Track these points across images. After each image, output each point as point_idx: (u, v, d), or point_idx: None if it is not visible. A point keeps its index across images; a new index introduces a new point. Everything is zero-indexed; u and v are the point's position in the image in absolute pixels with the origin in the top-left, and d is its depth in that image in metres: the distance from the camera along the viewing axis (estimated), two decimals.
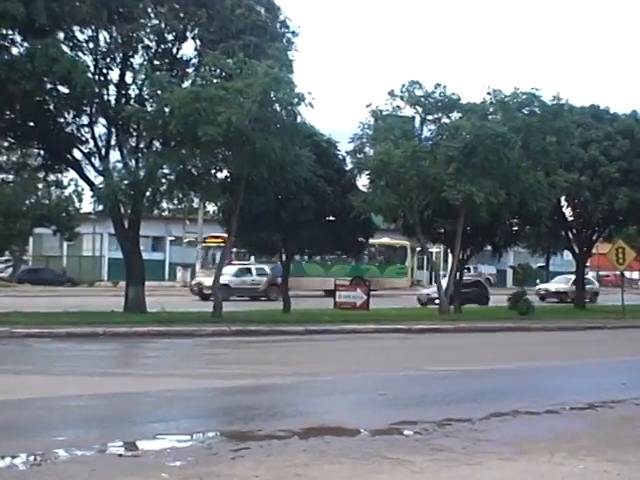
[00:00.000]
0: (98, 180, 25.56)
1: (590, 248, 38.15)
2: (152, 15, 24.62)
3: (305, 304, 30.69)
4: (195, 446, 8.69)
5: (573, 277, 41.12)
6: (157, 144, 25.31)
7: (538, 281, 58.79)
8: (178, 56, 25.48)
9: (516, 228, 33.84)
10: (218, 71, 23.83)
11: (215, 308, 25.20)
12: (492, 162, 27.20)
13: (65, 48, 23.53)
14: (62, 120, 25.17)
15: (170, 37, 25.14)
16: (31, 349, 18.46)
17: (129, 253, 26.52)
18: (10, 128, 25.08)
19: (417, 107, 29.07)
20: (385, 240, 49.33)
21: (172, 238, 62.58)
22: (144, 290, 26.30)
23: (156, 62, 25.02)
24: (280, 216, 27.02)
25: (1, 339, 18.91)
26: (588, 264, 45.48)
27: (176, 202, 25.83)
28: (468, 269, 53.47)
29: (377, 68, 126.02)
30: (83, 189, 52.97)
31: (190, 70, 25.31)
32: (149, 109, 23.74)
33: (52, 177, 36.64)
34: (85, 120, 25.44)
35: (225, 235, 30.72)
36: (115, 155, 25.72)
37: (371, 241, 46.82)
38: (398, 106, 29.25)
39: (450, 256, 36.91)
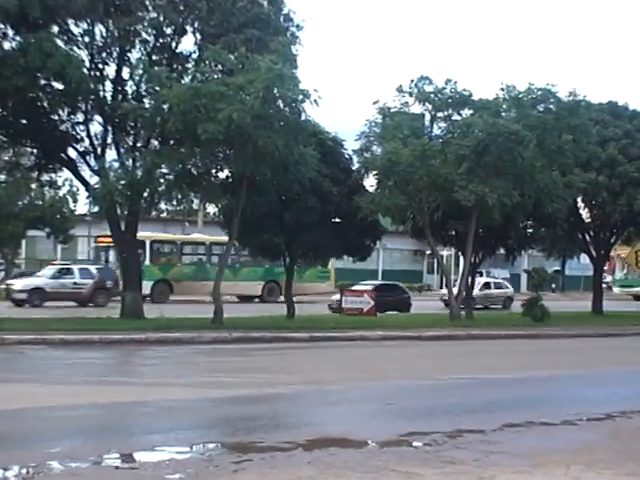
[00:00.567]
0: (94, 180, 25.66)
1: (608, 251, 38.10)
2: (150, 8, 24.68)
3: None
4: (195, 458, 8.70)
5: (483, 280, 43.81)
6: (155, 142, 25.35)
7: (554, 286, 58.86)
8: (177, 51, 25.53)
9: (530, 230, 33.82)
10: (219, 66, 23.86)
11: (216, 314, 25.22)
12: (505, 161, 27.20)
13: (59, 42, 23.58)
14: (56, 117, 25.23)
15: (169, 31, 25.19)
16: (23, 357, 18.50)
17: (126, 257, 26.56)
18: (2, 126, 25.12)
19: (427, 104, 29.04)
20: None
21: None
22: (142, 295, 26.33)
23: (154, 57, 25.09)
24: (283, 218, 27.03)
25: None
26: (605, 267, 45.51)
27: (175, 203, 25.90)
28: (480, 273, 53.53)
29: (385, 63, 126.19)
30: (78, 189, 53.01)
31: (190, 65, 25.34)
32: (147, 106, 23.79)
33: (46, 177, 36.42)
34: (80, 117, 25.50)
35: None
36: (111, 154, 25.82)
37: None
38: (407, 103, 29.27)
39: (461, 260, 36.87)
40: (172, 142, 24.16)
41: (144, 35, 24.99)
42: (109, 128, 25.58)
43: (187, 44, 25.53)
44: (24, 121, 24.86)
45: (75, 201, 57.04)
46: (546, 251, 41.16)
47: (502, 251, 34.36)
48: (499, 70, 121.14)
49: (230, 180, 25.71)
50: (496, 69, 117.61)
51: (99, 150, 25.71)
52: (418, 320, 29.68)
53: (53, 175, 35.79)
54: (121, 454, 8.82)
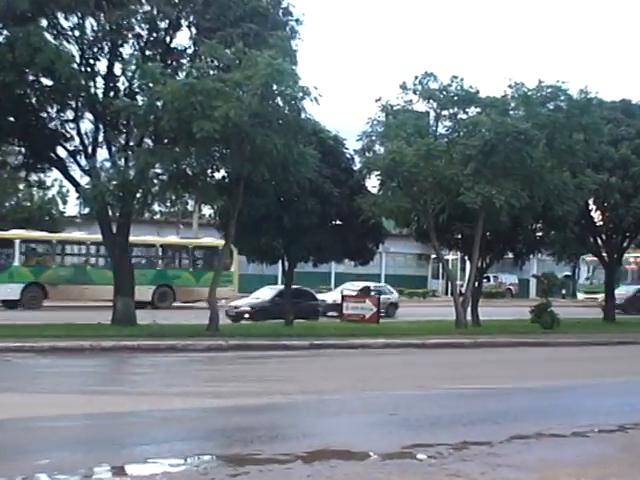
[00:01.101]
0: (84, 180, 25.62)
1: (621, 255, 38.12)
2: (143, 1, 24.68)
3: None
4: (189, 471, 8.70)
5: (362, 285, 41.71)
6: (148, 141, 25.35)
7: (564, 291, 58.76)
8: (172, 46, 25.55)
9: (540, 234, 33.86)
10: (215, 62, 23.87)
11: (211, 320, 25.22)
12: (514, 162, 27.21)
13: (48, 37, 23.60)
14: (45, 115, 25.27)
15: (163, 25, 25.21)
16: (10, 365, 18.47)
17: (117, 260, 26.58)
18: None
19: (431, 101, 29.07)
20: (204, 240, 45.26)
21: None
22: (134, 301, 26.34)
23: (148, 52, 25.10)
24: (282, 220, 27.05)
25: None
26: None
27: (169, 204, 25.96)
28: (488, 278, 53.52)
29: (388, 59, 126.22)
30: (68, 190, 53.22)
31: (185, 61, 25.34)
32: (140, 103, 23.77)
33: (34, 177, 36.62)
34: (70, 115, 25.53)
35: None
36: (103, 153, 25.85)
37: (184, 241, 45.21)
38: (411, 100, 29.29)
39: (468, 264, 36.90)
40: (166, 141, 24.17)
41: (137, 29, 25.00)
42: (100, 126, 25.60)
43: (182, 39, 25.60)
44: (11, 119, 24.86)
45: (65, 202, 57.30)
46: (556, 255, 41.15)
47: (510, 255, 34.37)
48: (507, 66, 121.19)
49: (226, 181, 25.71)
50: (504, 65, 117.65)
51: (90, 149, 25.73)
52: (422, 327, 29.69)
53: (42, 175, 35.98)
54: (112, 467, 8.81)
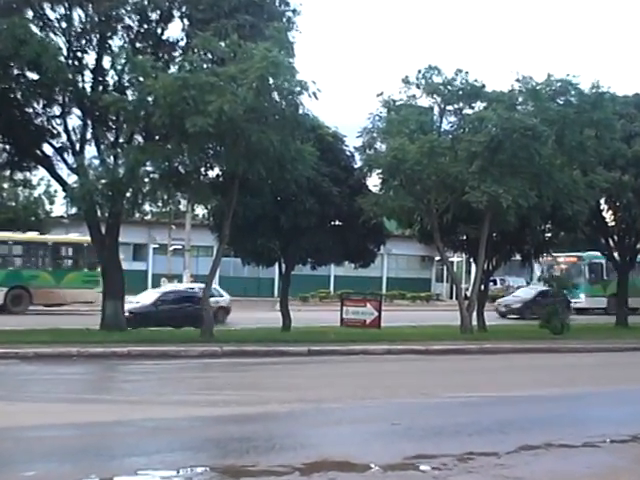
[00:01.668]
0: (72, 179, 25.65)
1: (634, 257, 38.11)
2: None
3: None
4: None
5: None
6: (139, 138, 25.38)
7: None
8: (163, 38, 25.57)
9: (549, 234, 33.85)
10: (209, 55, 23.86)
11: (205, 326, 25.22)
12: (521, 159, 27.23)
13: (34, 28, 23.63)
14: (31, 110, 25.28)
15: (154, 16, 25.22)
16: None
17: (106, 263, 26.59)
18: None
19: (435, 96, 29.10)
20: (67, 237, 43.77)
21: (156, 246, 62.69)
22: (124, 305, 26.35)
23: (138, 44, 25.13)
24: (279, 220, 27.07)
25: None
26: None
27: (160, 204, 25.90)
28: (494, 281, 53.57)
29: (390, 52, 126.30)
30: (55, 189, 53.21)
31: (177, 54, 25.37)
32: (130, 98, 23.78)
33: (19, 176, 36.67)
34: (57, 110, 25.55)
35: None
36: (91, 150, 25.86)
37: (42, 237, 43.28)
38: (414, 95, 29.32)
39: (473, 267, 36.91)
40: (157, 137, 24.19)
41: (127, 21, 25.02)
42: (88, 122, 25.62)
43: (174, 31, 25.60)
44: None
45: (51, 202, 57.30)
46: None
47: (518, 257, 34.38)
48: (515, 60, 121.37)
49: (221, 179, 25.74)
50: (511, 59, 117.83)
51: (77, 146, 25.74)
52: (426, 332, 29.71)
53: (27, 174, 35.98)
54: (101, 478, 8.84)
